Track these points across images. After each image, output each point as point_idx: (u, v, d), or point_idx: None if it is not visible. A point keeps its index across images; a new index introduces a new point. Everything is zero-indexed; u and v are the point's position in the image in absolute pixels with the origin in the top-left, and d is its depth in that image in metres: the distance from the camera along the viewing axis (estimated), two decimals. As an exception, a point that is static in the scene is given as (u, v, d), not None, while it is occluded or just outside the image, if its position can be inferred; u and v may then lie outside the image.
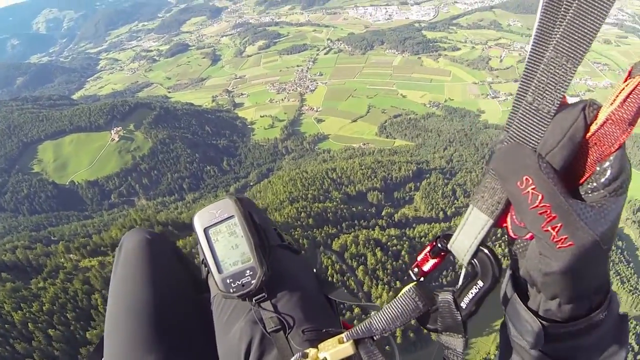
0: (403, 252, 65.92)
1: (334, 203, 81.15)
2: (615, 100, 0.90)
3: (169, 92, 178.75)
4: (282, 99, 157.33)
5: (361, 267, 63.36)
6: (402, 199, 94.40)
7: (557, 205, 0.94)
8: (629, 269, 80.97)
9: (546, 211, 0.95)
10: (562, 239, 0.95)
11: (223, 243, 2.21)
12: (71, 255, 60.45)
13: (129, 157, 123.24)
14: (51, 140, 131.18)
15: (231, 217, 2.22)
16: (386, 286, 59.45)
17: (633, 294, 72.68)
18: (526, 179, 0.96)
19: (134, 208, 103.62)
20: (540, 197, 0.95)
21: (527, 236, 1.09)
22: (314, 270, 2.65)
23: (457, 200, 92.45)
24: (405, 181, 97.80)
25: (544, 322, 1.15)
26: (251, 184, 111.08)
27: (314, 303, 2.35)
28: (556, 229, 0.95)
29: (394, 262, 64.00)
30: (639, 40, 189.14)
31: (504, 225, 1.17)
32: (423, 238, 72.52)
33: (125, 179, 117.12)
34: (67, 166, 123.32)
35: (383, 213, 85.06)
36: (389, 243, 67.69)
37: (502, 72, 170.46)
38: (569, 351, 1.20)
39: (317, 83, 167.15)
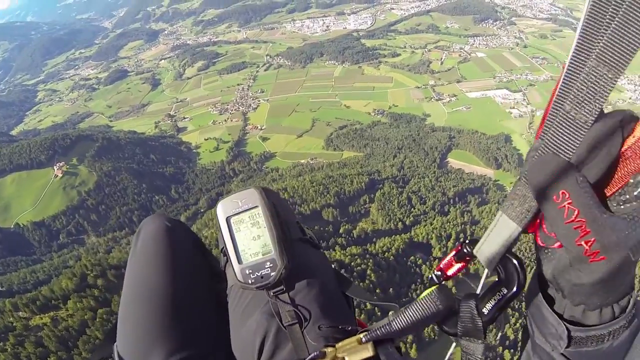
0: (369, 271, 65.41)
1: (290, 225, 79.95)
2: None
3: (111, 121, 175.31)
4: (225, 120, 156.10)
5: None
6: (358, 213, 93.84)
7: (592, 220, 0.95)
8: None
9: (581, 226, 0.96)
10: (594, 252, 0.96)
11: (245, 233, 2.22)
12: (20, 313, 58.09)
13: (75, 193, 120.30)
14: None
15: (255, 207, 2.22)
16: (356, 309, 59.44)
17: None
18: (562, 192, 0.97)
19: (84, 247, 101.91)
20: (576, 212, 0.96)
21: (556, 245, 1.10)
22: (332, 266, 2.71)
23: (414, 208, 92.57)
24: (359, 194, 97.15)
25: (568, 326, 1.16)
26: (202, 210, 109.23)
27: (332, 299, 2.36)
28: (589, 244, 0.96)
29: (361, 283, 62.02)
30: (573, 33, 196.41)
31: (533, 231, 1.19)
32: (386, 253, 72.60)
33: (73, 217, 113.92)
34: (9, 208, 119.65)
35: (341, 230, 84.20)
36: (352, 263, 66.95)
37: (443, 75, 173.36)
38: (591, 356, 1.18)
39: (259, 101, 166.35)
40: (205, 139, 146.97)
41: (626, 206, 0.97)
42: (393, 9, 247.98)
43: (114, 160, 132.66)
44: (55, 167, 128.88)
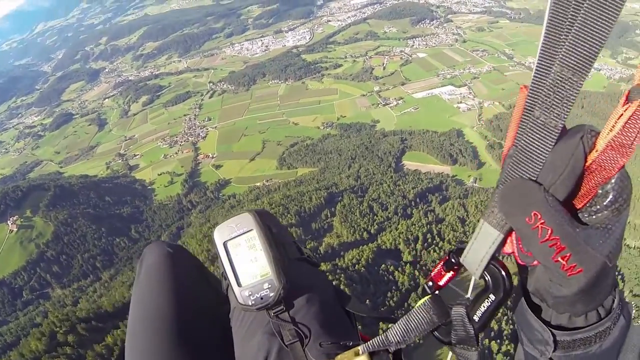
0: (342, 286, 62.86)
1: (256, 253, 79.70)
2: (614, 126, 0.92)
3: (61, 167, 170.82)
4: (176, 152, 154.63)
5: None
6: (321, 229, 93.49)
7: (565, 236, 0.98)
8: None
9: (556, 243, 0.99)
10: (571, 266, 1.00)
11: (242, 256, 2.32)
12: (-9, 385, 56.60)
13: (33, 247, 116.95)
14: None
15: (250, 230, 2.33)
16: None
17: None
18: (534, 214, 1.00)
19: (50, 301, 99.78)
20: (549, 231, 0.99)
21: (535, 263, 1.14)
22: (333, 283, 2.89)
23: (377, 216, 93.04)
24: (320, 210, 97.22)
25: (554, 331, 1.20)
26: None
27: (332, 315, 2.48)
28: (566, 259, 1.00)
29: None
30: (508, 22, 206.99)
31: (511, 252, 1.22)
32: (356, 265, 72.96)
33: (34, 271, 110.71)
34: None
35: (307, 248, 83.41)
36: (324, 281, 66.55)
37: (387, 79, 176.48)
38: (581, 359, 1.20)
39: (207, 129, 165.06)
40: (158, 174, 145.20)
41: (597, 216, 1.00)
42: (330, 21, 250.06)
43: (69, 207, 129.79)
44: (9, 222, 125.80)
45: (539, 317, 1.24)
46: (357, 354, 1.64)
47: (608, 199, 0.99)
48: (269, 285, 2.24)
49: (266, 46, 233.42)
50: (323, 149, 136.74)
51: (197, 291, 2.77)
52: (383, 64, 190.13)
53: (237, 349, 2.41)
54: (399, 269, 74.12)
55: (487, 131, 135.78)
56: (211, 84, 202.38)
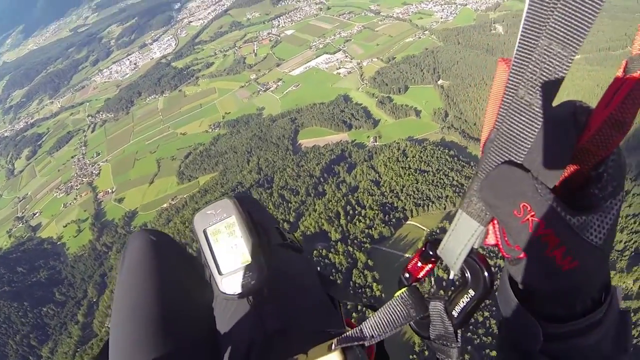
0: None
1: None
2: (610, 101, 0.86)
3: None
4: (75, 198, 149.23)
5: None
6: None
7: (559, 228, 0.91)
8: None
9: (549, 236, 0.92)
10: (567, 260, 0.93)
11: (222, 244, 2.28)
12: None
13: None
14: None
15: (229, 216, 2.29)
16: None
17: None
18: (524, 205, 0.92)
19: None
20: (541, 225, 0.91)
21: (521, 255, 1.05)
22: (317, 268, 2.83)
23: (291, 203, 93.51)
24: None
25: (543, 323, 1.12)
26: (94, 300, 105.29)
27: (316, 302, 2.46)
28: (561, 252, 0.92)
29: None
30: None
31: (494, 244, 1.15)
32: None
33: None
34: None
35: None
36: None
37: (261, 65, 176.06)
38: (569, 352, 1.15)
39: (99, 164, 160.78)
40: (64, 227, 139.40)
41: (591, 200, 0.93)
42: (191, 22, 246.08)
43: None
44: None
45: (528, 307, 1.16)
46: (330, 349, 1.53)
47: (602, 182, 0.91)
48: (250, 273, 2.21)
49: (134, 64, 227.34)
50: (217, 152, 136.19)
51: (181, 280, 2.73)
52: (254, 50, 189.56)
53: (220, 338, 2.39)
54: (332, 249, 75.16)
55: (373, 89, 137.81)
56: (90, 118, 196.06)
